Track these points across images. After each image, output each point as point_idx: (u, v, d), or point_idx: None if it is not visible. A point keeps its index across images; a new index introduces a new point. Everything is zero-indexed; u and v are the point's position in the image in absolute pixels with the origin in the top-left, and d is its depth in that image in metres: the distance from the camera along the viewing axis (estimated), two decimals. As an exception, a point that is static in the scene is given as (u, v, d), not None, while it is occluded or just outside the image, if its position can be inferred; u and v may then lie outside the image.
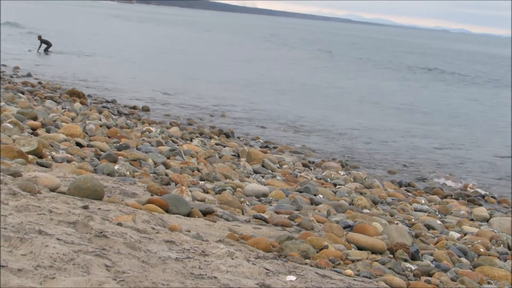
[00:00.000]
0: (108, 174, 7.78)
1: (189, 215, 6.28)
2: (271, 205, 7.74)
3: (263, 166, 11.13)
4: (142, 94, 20.76)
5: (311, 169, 12.06)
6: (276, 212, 7.22)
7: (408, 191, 11.20)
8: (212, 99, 21.24)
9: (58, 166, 7.39)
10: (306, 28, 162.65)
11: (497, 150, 17.04)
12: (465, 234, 7.83)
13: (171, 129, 13.95)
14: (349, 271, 5.03)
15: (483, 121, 22.89)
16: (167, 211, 6.15)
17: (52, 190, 5.87)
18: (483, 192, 11.87)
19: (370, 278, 5.05)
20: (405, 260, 5.89)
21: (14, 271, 3.25)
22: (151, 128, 13.18)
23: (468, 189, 12.11)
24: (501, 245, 7.32)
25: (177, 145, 11.60)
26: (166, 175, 8.69)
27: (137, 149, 10.10)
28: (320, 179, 10.80)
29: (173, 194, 6.75)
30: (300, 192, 9.01)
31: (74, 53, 32.92)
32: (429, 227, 8.06)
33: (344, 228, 6.73)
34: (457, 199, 11.04)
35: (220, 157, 11.38)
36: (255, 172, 10.61)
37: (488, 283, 5.71)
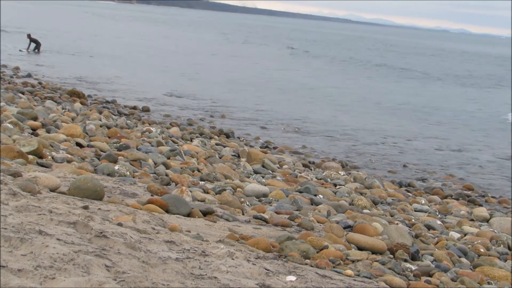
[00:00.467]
0: (108, 175, 7.78)
1: (189, 215, 6.28)
2: (271, 205, 7.74)
3: (263, 166, 11.14)
4: (142, 95, 20.76)
5: (311, 169, 12.06)
6: (276, 213, 7.22)
7: (408, 191, 11.20)
8: (212, 99, 21.25)
9: (58, 166, 7.38)
10: (300, 28, 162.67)
11: (497, 151, 17.04)
12: (465, 235, 7.83)
13: (171, 129, 13.94)
14: (349, 271, 5.03)
15: (483, 121, 22.88)
16: (167, 211, 6.15)
17: (52, 190, 5.87)
18: (483, 193, 11.87)
19: (370, 278, 5.05)
20: (405, 260, 5.89)
21: (14, 271, 3.25)
22: (151, 128, 13.18)
23: (468, 189, 12.10)
24: (501, 246, 7.32)
25: (177, 146, 11.60)
26: (166, 175, 8.69)
27: (137, 149, 10.10)
28: (320, 179, 10.80)
29: (173, 194, 6.75)
30: (300, 192, 9.01)
31: (74, 54, 32.92)
32: (429, 227, 8.06)
33: (344, 228, 6.73)
34: (457, 199, 11.04)
35: (220, 157, 11.38)
36: (255, 172, 10.61)
37: (488, 283, 5.70)
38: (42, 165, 7.38)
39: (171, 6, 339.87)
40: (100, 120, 12.90)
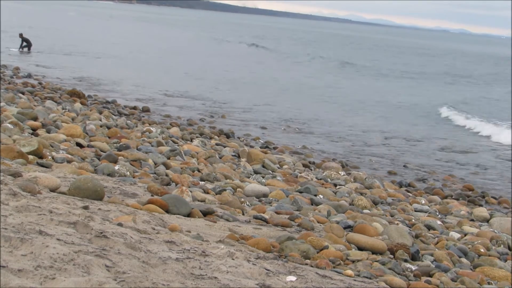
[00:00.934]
0: (108, 175, 7.78)
1: (189, 215, 6.28)
2: (271, 206, 7.74)
3: (263, 166, 11.13)
4: (142, 95, 20.76)
5: (311, 170, 12.06)
6: (277, 213, 7.22)
7: (409, 192, 11.20)
8: (212, 100, 21.25)
9: (59, 167, 7.38)
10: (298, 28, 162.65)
11: (497, 151, 17.04)
12: (465, 235, 7.83)
13: (171, 129, 13.94)
14: (349, 272, 5.03)
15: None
16: (167, 211, 6.15)
17: (53, 190, 5.87)
18: (483, 193, 11.86)
19: (370, 278, 5.05)
20: (406, 261, 5.89)
21: (14, 271, 3.25)
22: (151, 128, 13.18)
23: (469, 189, 12.10)
24: (501, 246, 7.32)
25: (178, 146, 11.60)
26: (167, 175, 8.69)
27: (137, 149, 10.10)
28: (320, 179, 10.80)
29: (174, 194, 6.75)
30: (301, 192, 9.01)
31: (74, 54, 32.92)
32: (429, 227, 8.06)
33: (345, 228, 6.72)
34: (457, 199, 11.03)
35: (220, 158, 11.38)
36: (256, 172, 10.60)
37: (488, 283, 5.70)
38: (42, 165, 7.38)
39: (171, 7, 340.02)
40: (100, 120, 12.90)
